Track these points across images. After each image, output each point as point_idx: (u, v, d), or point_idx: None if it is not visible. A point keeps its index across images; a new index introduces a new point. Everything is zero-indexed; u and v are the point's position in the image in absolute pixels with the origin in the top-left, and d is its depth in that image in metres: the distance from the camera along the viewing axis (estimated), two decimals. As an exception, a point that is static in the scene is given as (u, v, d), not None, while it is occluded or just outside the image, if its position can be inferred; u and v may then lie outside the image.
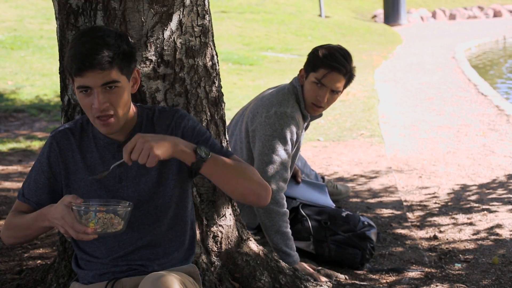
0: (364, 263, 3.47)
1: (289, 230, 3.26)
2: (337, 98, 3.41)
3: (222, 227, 2.78)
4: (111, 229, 2.02)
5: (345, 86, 3.37)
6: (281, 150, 3.26)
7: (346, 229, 3.52)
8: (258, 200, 2.23)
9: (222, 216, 2.78)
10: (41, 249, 3.46)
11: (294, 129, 3.31)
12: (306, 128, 3.63)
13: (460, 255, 3.59)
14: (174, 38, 2.55)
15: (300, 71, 3.41)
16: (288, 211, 3.29)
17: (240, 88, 9.42)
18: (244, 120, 3.47)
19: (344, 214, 3.60)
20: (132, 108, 2.24)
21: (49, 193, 2.24)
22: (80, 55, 2.05)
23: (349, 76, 3.35)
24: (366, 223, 3.59)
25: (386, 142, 6.25)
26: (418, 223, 4.12)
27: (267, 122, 3.30)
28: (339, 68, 3.29)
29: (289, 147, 3.29)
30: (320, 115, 3.55)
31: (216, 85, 2.76)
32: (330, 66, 3.28)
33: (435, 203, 4.49)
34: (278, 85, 3.62)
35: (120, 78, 2.10)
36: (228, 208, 2.82)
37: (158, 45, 2.53)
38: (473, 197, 4.57)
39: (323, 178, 4.38)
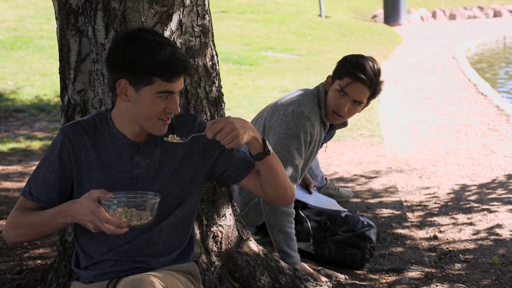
0: (364, 263, 3.47)
1: (292, 231, 3.26)
2: (360, 109, 3.31)
3: (222, 227, 2.78)
4: (142, 221, 2.04)
5: (369, 99, 3.29)
6: (294, 149, 3.25)
7: (345, 229, 3.52)
8: (291, 196, 2.36)
9: (222, 216, 2.78)
10: (41, 249, 3.46)
11: (309, 129, 3.27)
12: (331, 137, 3.59)
13: (460, 255, 3.59)
14: (174, 38, 2.55)
15: (328, 77, 3.35)
16: (294, 211, 3.30)
17: (240, 88, 9.42)
18: (264, 115, 3.47)
19: (343, 214, 3.60)
20: None
21: (59, 191, 2.19)
22: (179, 61, 2.09)
23: (374, 89, 3.25)
24: (365, 223, 3.59)
25: (386, 142, 6.25)
26: (418, 223, 4.11)
27: (283, 120, 3.29)
28: (364, 80, 3.20)
29: (302, 147, 3.27)
30: (345, 124, 3.48)
31: (216, 85, 2.76)
32: (355, 76, 3.21)
33: (435, 203, 4.48)
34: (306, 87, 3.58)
35: None
36: (228, 208, 2.82)
37: (158, 45, 2.52)
38: (473, 197, 4.57)
39: (326, 179, 4.39)
